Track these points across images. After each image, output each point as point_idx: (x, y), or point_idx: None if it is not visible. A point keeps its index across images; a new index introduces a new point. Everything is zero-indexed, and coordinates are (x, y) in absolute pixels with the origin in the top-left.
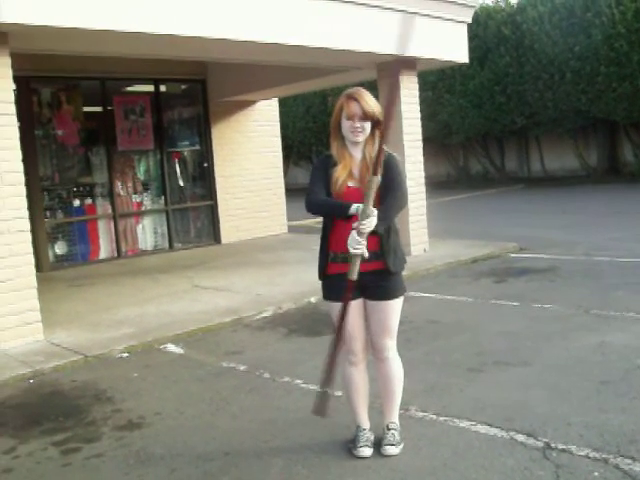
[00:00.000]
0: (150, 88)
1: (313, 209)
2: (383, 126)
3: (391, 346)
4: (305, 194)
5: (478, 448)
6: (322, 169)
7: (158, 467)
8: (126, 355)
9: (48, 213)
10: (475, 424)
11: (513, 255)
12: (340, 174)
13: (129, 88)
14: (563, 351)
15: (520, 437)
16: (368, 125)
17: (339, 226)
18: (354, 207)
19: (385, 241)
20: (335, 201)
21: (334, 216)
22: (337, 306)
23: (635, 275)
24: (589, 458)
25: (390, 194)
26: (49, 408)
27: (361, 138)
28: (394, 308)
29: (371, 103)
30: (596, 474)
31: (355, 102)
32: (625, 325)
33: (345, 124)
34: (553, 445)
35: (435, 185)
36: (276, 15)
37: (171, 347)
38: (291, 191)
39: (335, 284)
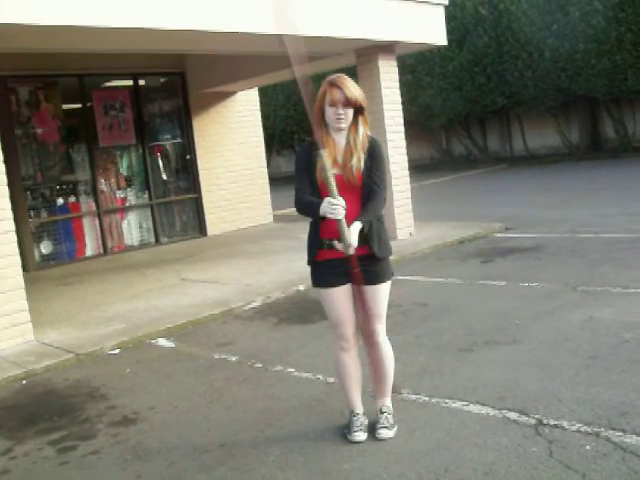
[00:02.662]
0: (129, 83)
1: (301, 212)
2: (314, 124)
3: (381, 330)
4: (294, 191)
5: (471, 428)
6: (304, 159)
7: (155, 461)
8: (117, 351)
9: (32, 213)
10: (467, 404)
11: (499, 235)
12: (326, 160)
13: (108, 83)
14: (552, 328)
15: (512, 415)
16: (351, 112)
17: None
18: (322, 206)
19: (369, 227)
20: (313, 201)
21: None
22: (327, 292)
23: (620, 250)
24: (581, 432)
25: (371, 195)
26: (43, 408)
27: (344, 125)
28: (382, 292)
29: (353, 89)
30: (588, 447)
31: (338, 89)
32: (612, 300)
33: (328, 111)
34: (545, 421)
35: (418, 168)
36: (254, 4)
37: (162, 341)
38: (275, 180)
39: (324, 270)
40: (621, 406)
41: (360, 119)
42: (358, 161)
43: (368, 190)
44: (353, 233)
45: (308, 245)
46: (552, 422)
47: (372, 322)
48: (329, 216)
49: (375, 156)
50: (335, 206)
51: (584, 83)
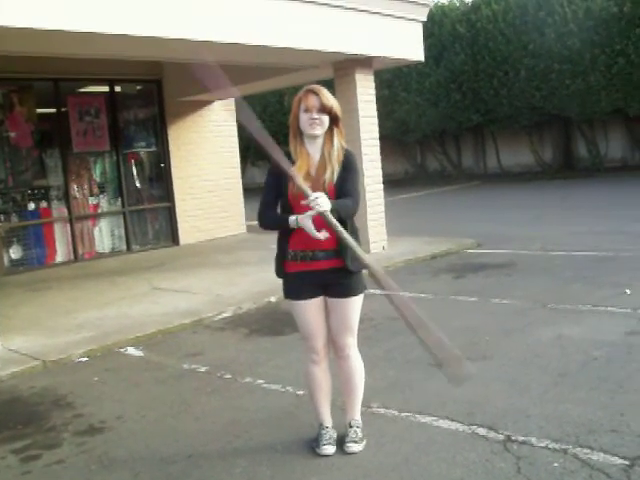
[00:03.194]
0: (105, 89)
1: (264, 226)
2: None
3: (352, 343)
4: (259, 205)
5: (440, 443)
6: (274, 174)
7: (121, 471)
8: (86, 359)
9: (2, 217)
10: (437, 419)
11: (471, 251)
12: (299, 172)
13: (83, 89)
14: (522, 345)
15: (481, 431)
16: (326, 118)
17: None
18: (292, 218)
19: (343, 239)
20: (279, 216)
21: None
22: (298, 305)
23: (590, 268)
24: (549, 449)
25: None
26: (7, 415)
27: (319, 131)
28: (354, 306)
29: (329, 97)
30: (556, 465)
31: (314, 95)
32: (581, 318)
33: (303, 117)
34: (513, 438)
35: (393, 183)
36: (234, 15)
37: (131, 350)
38: (249, 191)
39: (295, 282)
40: (589, 423)
41: (335, 130)
42: (331, 174)
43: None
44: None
45: (277, 257)
46: (520, 438)
47: (343, 335)
48: (316, 209)
49: (349, 168)
50: (318, 198)
51: (558, 103)
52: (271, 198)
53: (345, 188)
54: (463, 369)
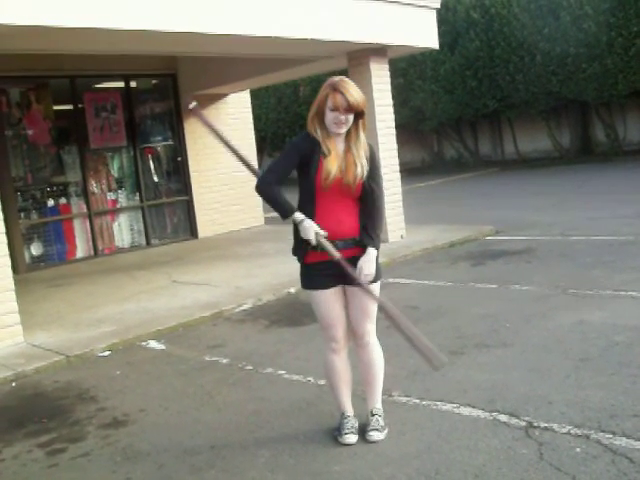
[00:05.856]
0: (120, 84)
1: (262, 194)
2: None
3: (371, 330)
4: (266, 169)
5: (462, 430)
6: (297, 152)
7: (145, 463)
8: (108, 353)
9: (22, 214)
10: (458, 406)
11: (490, 238)
12: (331, 168)
13: (99, 85)
14: (542, 331)
15: (503, 417)
16: (352, 117)
17: (319, 215)
18: (300, 219)
19: (363, 227)
20: (286, 202)
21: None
22: (317, 294)
23: (610, 253)
24: (571, 435)
25: (373, 206)
26: (32, 410)
27: (344, 130)
28: (374, 292)
29: (355, 95)
30: (578, 450)
31: (340, 94)
32: (602, 303)
33: (329, 115)
34: (535, 424)
35: (410, 171)
36: (249, 8)
37: (153, 343)
38: None
39: (315, 272)
40: (611, 408)
41: (360, 123)
42: (362, 170)
43: (368, 198)
44: (372, 262)
45: (295, 244)
46: (542, 424)
47: (362, 323)
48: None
49: (375, 163)
50: (368, 275)
51: (575, 87)
52: (285, 171)
53: (372, 184)
54: (440, 359)
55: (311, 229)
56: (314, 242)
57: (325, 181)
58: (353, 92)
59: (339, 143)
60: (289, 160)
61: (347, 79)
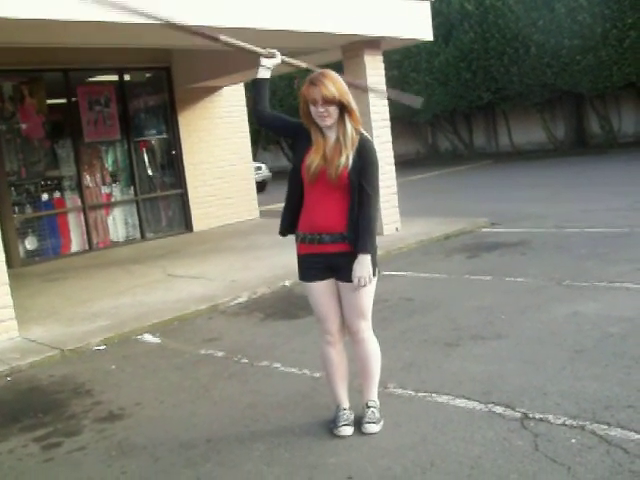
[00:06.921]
0: (114, 77)
1: (257, 112)
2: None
3: (365, 327)
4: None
5: (457, 422)
6: (299, 125)
7: (141, 457)
8: (103, 347)
9: (16, 208)
10: (453, 398)
11: (485, 230)
12: (313, 159)
13: (93, 78)
14: (537, 323)
15: (498, 409)
16: (333, 108)
17: (308, 205)
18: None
19: (352, 224)
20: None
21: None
22: (310, 287)
23: (605, 245)
24: (566, 426)
25: (364, 206)
26: (28, 404)
27: (329, 122)
28: (366, 290)
29: (331, 87)
30: (573, 441)
31: (315, 87)
32: (597, 294)
33: (312, 109)
34: (530, 415)
35: (404, 164)
36: (242, 0)
37: (148, 337)
38: None
39: (305, 264)
40: (606, 399)
41: (346, 115)
42: (346, 159)
43: (357, 197)
44: (364, 266)
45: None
46: (537, 416)
47: (355, 320)
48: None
49: (365, 156)
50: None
51: (569, 79)
52: (282, 119)
53: (362, 180)
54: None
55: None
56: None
57: (308, 170)
58: (328, 84)
59: (331, 135)
60: (290, 120)
61: (328, 71)
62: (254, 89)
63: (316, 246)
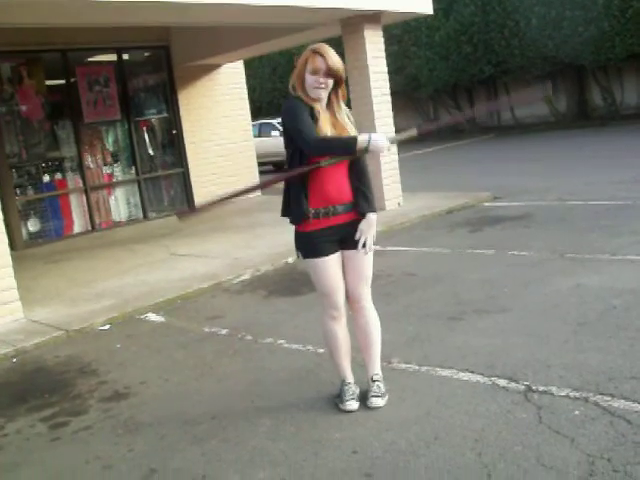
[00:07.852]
0: (113, 57)
1: (319, 148)
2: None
3: (367, 294)
4: (300, 134)
5: (461, 395)
6: (305, 111)
7: (147, 435)
8: (107, 327)
9: (18, 191)
10: (457, 372)
11: (487, 204)
12: (327, 129)
13: (92, 58)
14: (540, 296)
15: (502, 382)
16: (331, 82)
17: (318, 180)
18: (362, 137)
19: (355, 191)
20: (336, 138)
21: (339, 153)
22: (320, 262)
23: (607, 217)
24: (569, 398)
25: (362, 173)
26: (34, 385)
27: (324, 94)
28: (369, 255)
29: (335, 59)
30: (577, 412)
31: (320, 57)
32: (600, 267)
33: (309, 79)
34: (534, 388)
35: None
36: None
37: (152, 316)
38: None
39: (316, 239)
40: (609, 371)
41: (340, 92)
42: (354, 131)
43: (356, 162)
44: (373, 225)
45: (295, 210)
46: (541, 388)
47: (359, 286)
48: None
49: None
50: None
51: (571, 51)
52: (311, 124)
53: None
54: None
55: (383, 136)
56: (388, 145)
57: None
58: (332, 56)
59: (320, 108)
60: (306, 114)
61: (326, 45)
62: (334, 154)
63: (330, 218)
